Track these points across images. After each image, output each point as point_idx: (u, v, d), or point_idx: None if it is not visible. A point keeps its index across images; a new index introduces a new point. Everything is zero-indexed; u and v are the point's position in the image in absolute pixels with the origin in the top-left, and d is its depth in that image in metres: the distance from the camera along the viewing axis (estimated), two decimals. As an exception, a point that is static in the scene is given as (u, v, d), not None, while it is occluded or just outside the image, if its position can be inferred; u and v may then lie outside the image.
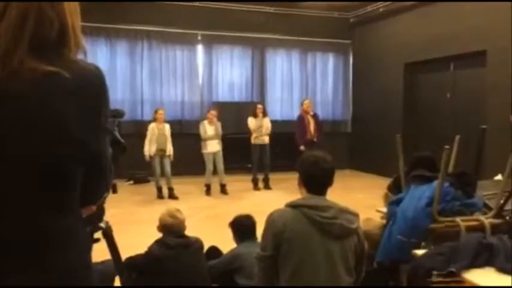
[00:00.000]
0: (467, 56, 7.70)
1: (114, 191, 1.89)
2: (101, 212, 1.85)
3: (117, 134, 2.14)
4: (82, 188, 1.03)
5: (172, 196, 7.73)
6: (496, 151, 4.73)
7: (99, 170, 1.09)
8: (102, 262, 2.13)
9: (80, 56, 1.07)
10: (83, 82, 0.99)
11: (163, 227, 3.00)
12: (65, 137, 0.95)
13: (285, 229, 2.06)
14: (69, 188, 1.00)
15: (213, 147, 8.00)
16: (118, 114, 2.28)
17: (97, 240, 1.93)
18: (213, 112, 8.17)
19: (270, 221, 2.14)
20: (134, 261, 2.70)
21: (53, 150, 0.94)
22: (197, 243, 2.97)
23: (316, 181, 2.19)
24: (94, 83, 1.02)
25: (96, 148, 1.04)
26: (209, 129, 8.02)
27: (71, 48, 1.02)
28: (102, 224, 1.90)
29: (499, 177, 5.36)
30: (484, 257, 1.91)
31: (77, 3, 1.07)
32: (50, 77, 0.92)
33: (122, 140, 2.14)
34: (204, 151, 8.05)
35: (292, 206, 2.15)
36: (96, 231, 1.90)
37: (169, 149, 7.74)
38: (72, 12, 1.03)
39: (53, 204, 0.98)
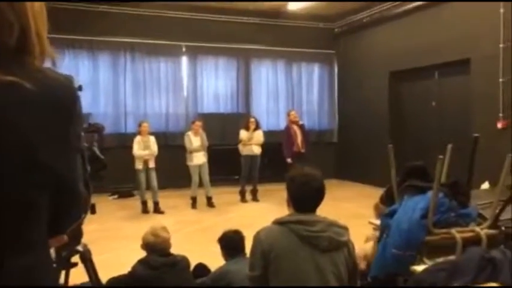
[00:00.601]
0: (452, 64, 7.75)
1: (93, 212, 1.76)
2: (78, 234, 1.71)
3: (96, 150, 2.02)
4: (50, 216, 0.88)
5: (157, 210, 7.54)
6: (481, 158, 4.69)
7: (69, 196, 0.94)
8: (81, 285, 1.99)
9: (48, 65, 0.94)
10: (49, 95, 0.85)
11: (146, 245, 2.86)
12: (25, 158, 0.81)
13: (272, 248, 1.99)
14: (31, 219, 0.85)
15: (198, 159, 7.86)
16: (97, 129, 2.17)
17: (75, 264, 1.79)
18: (198, 123, 8.05)
19: (257, 240, 2.07)
20: (117, 282, 2.55)
21: (8, 174, 0.80)
22: (183, 262, 2.84)
23: (307, 201, 2.12)
24: (63, 96, 0.89)
25: (65, 171, 0.90)
26: (195, 140, 7.88)
27: (35, 56, 0.88)
28: (79, 248, 1.76)
29: (485, 185, 5.34)
30: (487, 272, 1.83)
31: (42, 4, 0.93)
32: (7, 89, 0.79)
33: (102, 156, 2.03)
34: (190, 163, 7.89)
35: (279, 222, 2.08)
36: (73, 255, 1.76)
37: (152, 162, 7.52)
38: (36, 15, 0.90)
39: (9, 241, 0.82)
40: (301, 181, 2.12)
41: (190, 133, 7.96)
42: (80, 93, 1.94)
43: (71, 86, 0.92)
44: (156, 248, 2.82)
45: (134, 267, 2.64)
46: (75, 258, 1.87)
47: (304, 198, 2.10)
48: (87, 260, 1.77)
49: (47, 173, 0.84)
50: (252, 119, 8.45)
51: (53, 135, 0.85)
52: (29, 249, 0.85)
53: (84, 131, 1.93)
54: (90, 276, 1.79)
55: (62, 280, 1.80)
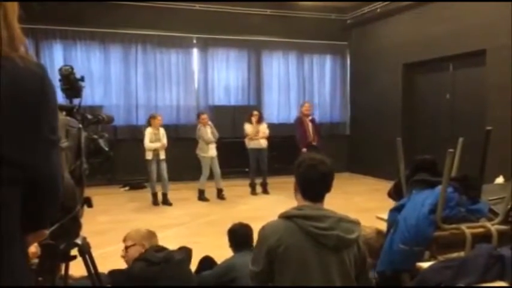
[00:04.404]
0: (467, 55, 7.59)
1: (89, 205, 1.73)
2: (77, 227, 1.69)
3: (101, 142, 1.99)
4: (25, 211, 0.85)
5: (166, 202, 7.58)
6: (495, 152, 4.60)
7: (44, 190, 0.91)
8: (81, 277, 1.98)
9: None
10: (17, 84, 0.81)
11: (142, 244, 2.84)
12: None
13: (279, 244, 1.91)
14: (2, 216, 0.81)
15: (213, 151, 7.90)
16: (102, 120, 2.13)
17: (74, 257, 1.78)
18: (204, 116, 8.05)
19: (263, 235, 1.99)
20: (118, 279, 2.53)
21: None
22: (178, 255, 2.82)
23: (313, 186, 2.02)
24: (32, 85, 0.85)
25: (36, 164, 0.86)
26: (209, 132, 7.91)
27: (2, 42, 0.84)
28: (78, 241, 1.74)
29: (500, 179, 5.23)
30: (495, 270, 1.77)
31: None
32: None
33: (106, 148, 1.99)
34: (204, 155, 7.88)
35: (286, 216, 1.99)
36: (72, 248, 1.75)
37: (163, 153, 7.56)
38: (7, 4, 0.85)
39: None
40: (308, 164, 2.02)
41: (201, 126, 7.96)
42: (82, 83, 1.92)
43: (42, 75, 0.87)
44: (152, 243, 2.82)
45: (133, 265, 2.61)
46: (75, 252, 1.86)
47: (311, 182, 2.01)
48: (85, 253, 1.76)
49: (15, 167, 0.80)
50: (256, 112, 8.45)
51: (21, 127, 0.81)
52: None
53: (87, 123, 1.91)
54: (88, 271, 1.77)
55: (62, 273, 1.81)
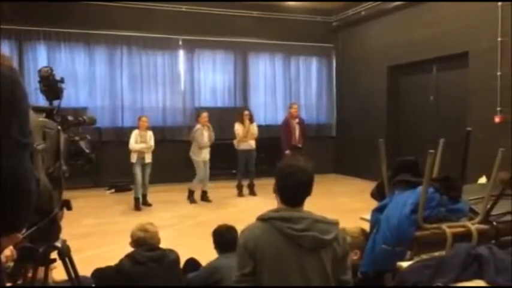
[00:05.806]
0: (450, 58, 7.70)
1: (69, 208, 1.72)
2: (56, 230, 1.68)
3: (82, 144, 1.97)
4: None
5: (145, 203, 7.55)
6: (478, 153, 4.68)
7: (15, 192, 0.89)
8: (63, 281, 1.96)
9: None
10: None
11: (135, 242, 2.85)
12: None
13: (257, 249, 1.92)
14: None
15: (206, 154, 7.83)
16: (83, 121, 2.11)
17: (53, 260, 1.76)
18: (205, 115, 7.93)
19: (243, 240, 2.00)
20: (103, 275, 2.53)
21: None
22: (171, 256, 2.81)
23: (291, 193, 2.03)
24: (1, 87, 0.85)
25: (6, 166, 0.85)
26: (205, 135, 7.82)
27: None
28: (58, 244, 1.72)
29: (483, 179, 5.31)
30: (472, 269, 1.80)
31: None
32: None
33: (87, 150, 1.98)
34: (197, 158, 7.80)
35: (263, 219, 2.00)
36: (51, 251, 1.73)
37: (149, 157, 7.52)
38: None
39: None
40: (287, 172, 2.01)
41: (199, 127, 7.84)
42: (62, 85, 1.91)
43: (11, 77, 0.87)
44: (146, 242, 2.82)
45: (121, 261, 2.62)
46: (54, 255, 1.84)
47: (289, 190, 2.01)
48: (65, 256, 1.74)
49: None
50: (247, 112, 8.40)
51: None
52: None
53: (67, 125, 1.89)
54: (68, 274, 1.76)
55: (41, 276, 1.79)
